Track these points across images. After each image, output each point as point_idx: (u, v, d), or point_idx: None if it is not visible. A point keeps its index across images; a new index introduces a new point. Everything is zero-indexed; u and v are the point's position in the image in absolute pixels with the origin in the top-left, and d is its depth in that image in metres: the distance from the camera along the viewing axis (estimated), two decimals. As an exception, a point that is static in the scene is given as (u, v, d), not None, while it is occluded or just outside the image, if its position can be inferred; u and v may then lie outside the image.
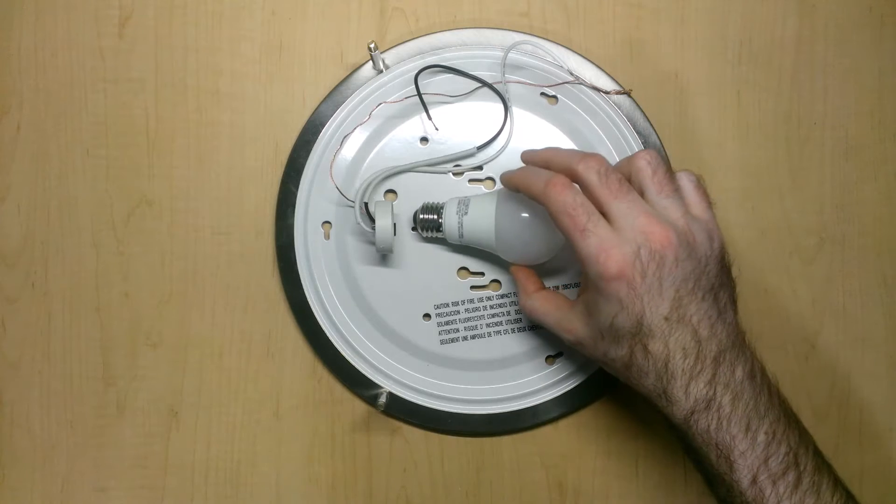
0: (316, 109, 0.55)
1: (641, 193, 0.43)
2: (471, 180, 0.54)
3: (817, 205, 0.56)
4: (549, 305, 0.48)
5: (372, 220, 0.51)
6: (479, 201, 0.51)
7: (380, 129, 0.54)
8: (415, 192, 0.54)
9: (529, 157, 0.49)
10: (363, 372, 0.54)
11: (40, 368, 0.55)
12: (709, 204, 0.45)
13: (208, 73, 0.56)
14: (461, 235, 0.51)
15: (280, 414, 0.55)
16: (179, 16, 0.56)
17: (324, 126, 0.54)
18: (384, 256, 0.54)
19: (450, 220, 0.51)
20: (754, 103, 0.56)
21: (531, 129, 0.54)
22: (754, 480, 0.41)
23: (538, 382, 0.53)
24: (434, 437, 0.55)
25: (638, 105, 0.55)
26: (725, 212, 0.55)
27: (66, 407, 0.55)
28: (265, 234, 0.55)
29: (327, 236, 0.54)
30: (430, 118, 0.54)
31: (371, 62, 0.54)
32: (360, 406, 0.55)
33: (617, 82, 0.55)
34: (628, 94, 0.54)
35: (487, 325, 0.54)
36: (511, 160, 0.54)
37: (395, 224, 0.50)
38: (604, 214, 0.42)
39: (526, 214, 0.49)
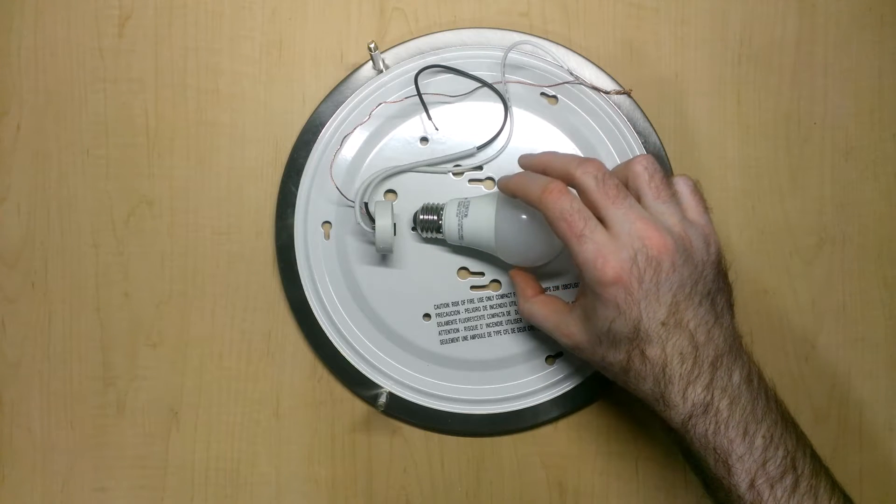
0: (316, 109, 0.55)
1: (638, 198, 0.43)
2: (471, 180, 0.54)
3: (817, 205, 0.56)
4: (547, 310, 0.48)
5: (372, 220, 0.51)
6: (479, 203, 0.51)
7: (380, 129, 0.54)
8: (415, 192, 0.54)
9: (527, 162, 0.49)
10: (363, 372, 0.54)
11: (40, 368, 0.55)
12: (705, 208, 0.45)
13: (208, 73, 0.56)
14: (461, 237, 0.51)
15: (280, 414, 0.55)
16: (179, 16, 0.56)
17: (324, 126, 0.54)
18: (384, 256, 0.54)
19: (450, 222, 0.51)
20: (754, 103, 0.56)
21: (531, 129, 0.54)
22: (752, 484, 0.41)
23: (538, 382, 0.53)
24: (434, 437, 0.55)
25: (638, 105, 0.55)
26: (725, 212, 0.55)
27: (66, 407, 0.55)
28: (265, 234, 0.55)
29: (327, 236, 0.54)
30: (430, 118, 0.54)
31: (371, 62, 0.54)
32: (360, 406, 0.55)
33: (617, 82, 0.55)
34: (628, 94, 0.54)
35: (487, 325, 0.54)
36: (511, 160, 0.54)
37: (395, 224, 0.50)
38: (601, 220, 0.42)
39: (526, 217, 0.49)
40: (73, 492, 0.55)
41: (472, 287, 0.54)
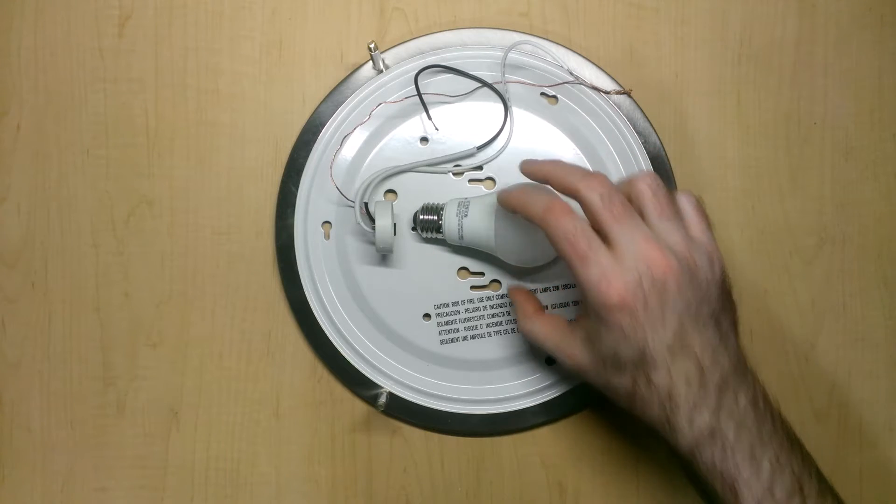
0: (316, 109, 0.55)
1: (641, 215, 0.43)
2: (471, 180, 0.54)
3: (817, 205, 0.56)
4: (548, 329, 0.47)
5: (372, 220, 0.51)
6: (480, 203, 0.51)
7: (380, 129, 0.54)
8: (415, 192, 0.54)
9: (529, 169, 0.47)
10: (363, 372, 0.54)
11: (40, 368, 0.55)
12: (709, 226, 0.44)
13: (208, 73, 0.56)
14: (461, 237, 0.51)
15: (280, 414, 0.55)
16: (179, 16, 0.56)
17: (324, 126, 0.54)
18: (384, 256, 0.54)
19: (450, 222, 0.51)
20: (754, 103, 0.56)
21: (531, 129, 0.54)
22: None
23: (538, 382, 0.53)
24: (434, 437, 0.55)
25: (638, 105, 0.55)
26: (725, 212, 0.55)
27: (66, 407, 0.55)
28: (265, 234, 0.55)
29: (327, 236, 0.54)
30: (430, 118, 0.54)
31: (371, 62, 0.54)
32: (360, 406, 0.55)
33: (617, 82, 0.55)
34: (628, 94, 0.54)
35: (487, 325, 0.54)
36: (511, 160, 0.54)
37: (395, 224, 0.50)
38: (604, 238, 0.42)
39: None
40: (73, 492, 0.55)
41: (472, 287, 0.54)
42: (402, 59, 0.55)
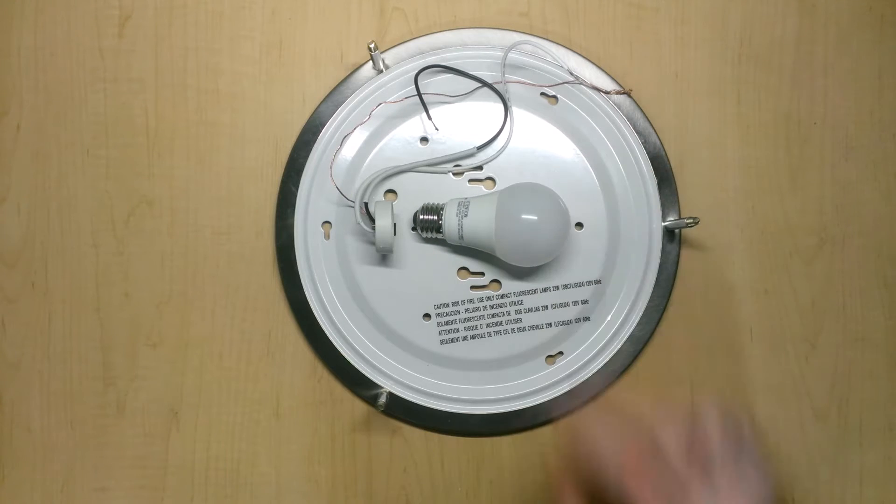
0: (316, 109, 0.55)
1: (708, 459, 0.43)
2: (471, 180, 0.54)
3: (817, 205, 0.56)
4: None
5: (372, 220, 0.51)
6: (479, 203, 0.51)
7: (380, 129, 0.54)
8: (415, 192, 0.54)
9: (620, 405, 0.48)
10: (363, 372, 0.54)
11: (40, 368, 0.55)
12: (770, 480, 0.45)
13: (208, 73, 0.56)
14: (461, 237, 0.51)
15: (280, 414, 0.55)
16: (179, 16, 0.56)
17: (324, 126, 0.54)
18: (384, 256, 0.54)
19: (450, 222, 0.51)
20: (754, 103, 0.56)
21: (531, 129, 0.54)
22: None
23: (538, 382, 0.53)
24: (434, 437, 0.55)
25: (638, 105, 0.55)
26: (725, 212, 0.55)
27: (66, 407, 0.55)
28: (265, 234, 0.55)
29: (327, 236, 0.54)
30: (430, 118, 0.54)
31: (371, 62, 0.54)
32: (360, 406, 0.55)
33: (617, 82, 0.55)
34: (628, 94, 0.54)
35: (487, 325, 0.54)
36: (511, 160, 0.54)
37: (395, 224, 0.50)
38: (678, 485, 0.42)
39: (526, 216, 0.49)
40: (73, 492, 0.55)
41: (472, 287, 0.54)
42: (402, 59, 0.55)
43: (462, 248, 0.53)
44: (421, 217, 0.52)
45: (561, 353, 0.54)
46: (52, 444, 0.55)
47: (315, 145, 0.54)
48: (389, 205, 0.50)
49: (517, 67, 0.54)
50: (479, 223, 0.50)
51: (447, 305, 0.54)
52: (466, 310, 0.54)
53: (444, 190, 0.54)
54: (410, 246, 0.54)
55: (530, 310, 0.54)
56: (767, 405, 0.55)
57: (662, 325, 0.55)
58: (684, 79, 0.56)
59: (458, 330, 0.54)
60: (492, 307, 0.54)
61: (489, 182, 0.54)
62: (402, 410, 0.54)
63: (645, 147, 0.54)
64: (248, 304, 0.55)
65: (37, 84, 0.56)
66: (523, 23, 0.56)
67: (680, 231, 0.54)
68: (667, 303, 0.54)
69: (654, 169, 0.54)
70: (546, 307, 0.53)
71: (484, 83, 0.54)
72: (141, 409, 0.55)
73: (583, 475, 0.46)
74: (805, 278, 0.55)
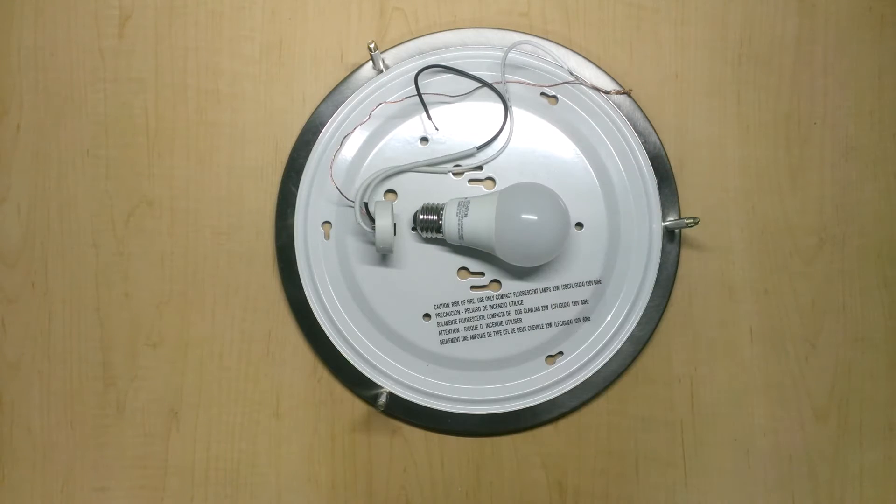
0: (316, 109, 0.55)
1: None
2: (471, 180, 0.54)
3: (817, 205, 0.56)
4: None
5: (372, 220, 0.51)
6: (479, 203, 0.51)
7: (380, 129, 0.54)
8: (415, 192, 0.54)
9: None
10: (363, 372, 0.54)
11: (40, 368, 0.55)
12: None
13: (208, 73, 0.56)
14: (461, 237, 0.51)
15: (280, 414, 0.55)
16: (179, 16, 0.56)
17: (324, 126, 0.54)
18: (384, 256, 0.54)
19: (450, 222, 0.51)
20: (754, 103, 0.56)
21: (531, 129, 0.54)
22: None
23: (538, 382, 0.53)
24: (434, 437, 0.55)
25: (638, 105, 0.55)
26: (725, 212, 0.55)
27: (66, 407, 0.55)
28: (265, 234, 0.55)
29: (327, 236, 0.54)
30: (430, 118, 0.54)
31: (371, 62, 0.54)
32: (360, 406, 0.55)
33: (617, 82, 0.55)
34: (628, 94, 0.54)
35: (487, 325, 0.54)
36: (511, 160, 0.54)
37: (395, 224, 0.50)
38: None
39: (526, 217, 0.49)
40: (73, 492, 0.55)
41: (472, 287, 0.54)
42: (402, 59, 0.55)
43: (462, 248, 0.53)
44: (421, 217, 0.52)
45: (561, 353, 0.54)
46: (52, 444, 0.55)
47: (315, 145, 0.54)
48: (389, 205, 0.50)
49: (517, 67, 0.54)
50: (479, 223, 0.50)
51: (447, 305, 0.54)
52: (466, 310, 0.54)
53: (444, 190, 0.54)
54: (410, 246, 0.54)
55: (530, 310, 0.54)
56: (767, 405, 0.55)
57: (662, 325, 0.55)
58: (684, 79, 0.56)
59: (458, 330, 0.54)
60: (492, 307, 0.54)
61: (489, 182, 0.54)
62: (402, 410, 0.54)
63: (645, 147, 0.54)
64: (248, 304, 0.55)
65: (37, 84, 0.56)
66: (523, 23, 0.56)
67: (680, 231, 0.54)
68: (667, 303, 0.54)
69: (654, 169, 0.54)
70: (546, 307, 0.53)
71: (484, 83, 0.54)
72: (141, 409, 0.55)
73: None
74: (805, 278, 0.55)
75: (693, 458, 0.54)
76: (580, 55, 0.55)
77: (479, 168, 0.54)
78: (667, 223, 0.54)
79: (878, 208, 0.56)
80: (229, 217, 0.56)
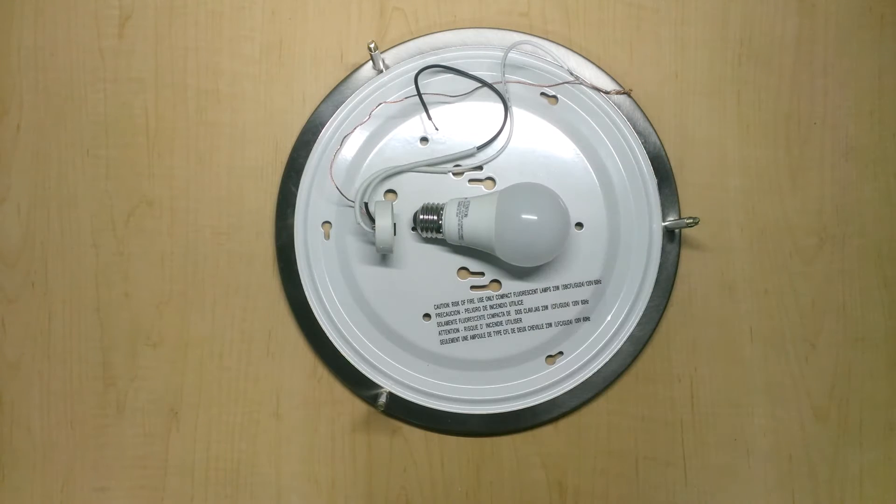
0: (316, 109, 0.55)
1: None
2: (471, 180, 0.54)
3: (817, 205, 0.56)
4: None
5: (372, 220, 0.51)
6: (479, 203, 0.51)
7: (380, 129, 0.54)
8: (415, 192, 0.54)
9: None
10: (363, 372, 0.54)
11: (40, 368, 0.55)
12: None
13: (208, 73, 0.56)
14: (461, 237, 0.51)
15: (280, 414, 0.55)
16: (179, 16, 0.56)
17: (324, 126, 0.54)
18: (384, 256, 0.54)
19: (450, 222, 0.51)
20: (754, 103, 0.56)
21: (531, 129, 0.54)
22: None
23: (538, 382, 0.53)
24: (434, 437, 0.55)
25: (638, 105, 0.55)
26: (725, 212, 0.55)
27: (66, 407, 0.55)
28: (265, 234, 0.55)
29: (327, 236, 0.54)
30: (430, 118, 0.54)
31: (371, 62, 0.54)
32: (360, 406, 0.55)
33: (617, 82, 0.55)
34: (628, 94, 0.54)
35: (487, 325, 0.54)
36: (511, 160, 0.54)
37: (395, 224, 0.50)
38: None
39: (526, 217, 0.49)
40: (73, 492, 0.55)
41: (472, 287, 0.54)
42: (402, 59, 0.55)
43: (462, 248, 0.53)
44: (421, 217, 0.52)
45: (561, 353, 0.54)
46: (52, 444, 0.55)
47: (315, 145, 0.54)
48: (389, 205, 0.50)
49: (517, 67, 0.54)
50: (479, 223, 0.50)
51: (447, 305, 0.54)
52: (466, 310, 0.54)
53: (444, 190, 0.54)
54: (410, 246, 0.54)
55: (530, 310, 0.54)
56: (767, 405, 0.55)
57: (662, 325, 0.55)
58: (684, 79, 0.56)
59: (458, 330, 0.54)
60: (492, 307, 0.54)
61: (489, 182, 0.54)
62: (402, 410, 0.54)
63: (645, 147, 0.54)
64: (248, 304, 0.55)
65: (37, 84, 0.56)
66: (523, 23, 0.56)
67: (680, 231, 0.54)
68: (667, 303, 0.54)
69: (654, 169, 0.54)
70: (546, 307, 0.53)
71: (484, 83, 0.54)
72: (141, 409, 0.55)
73: None
74: (805, 278, 0.55)
75: (693, 458, 0.54)
76: (580, 55, 0.55)
77: (479, 168, 0.54)
78: (667, 223, 0.54)
79: (878, 208, 0.56)
80: (229, 217, 0.56)
